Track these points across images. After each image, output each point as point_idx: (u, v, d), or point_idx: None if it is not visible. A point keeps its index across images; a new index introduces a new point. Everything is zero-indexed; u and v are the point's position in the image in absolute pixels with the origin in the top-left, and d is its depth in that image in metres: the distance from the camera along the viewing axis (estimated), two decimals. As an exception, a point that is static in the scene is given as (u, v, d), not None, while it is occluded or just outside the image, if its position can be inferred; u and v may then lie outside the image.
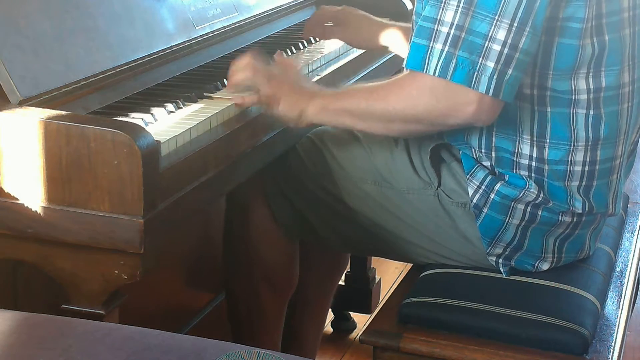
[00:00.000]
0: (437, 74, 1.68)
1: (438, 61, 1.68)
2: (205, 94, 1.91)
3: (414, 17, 1.91)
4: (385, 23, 2.31)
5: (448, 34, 1.68)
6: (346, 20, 2.30)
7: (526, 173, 1.82)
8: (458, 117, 1.71)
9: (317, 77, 2.18)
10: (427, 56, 1.69)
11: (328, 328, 2.94)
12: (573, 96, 1.77)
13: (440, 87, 1.70)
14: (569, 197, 1.83)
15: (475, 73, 1.67)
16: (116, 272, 1.55)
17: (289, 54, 2.29)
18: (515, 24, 1.66)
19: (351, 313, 2.98)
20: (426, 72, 1.69)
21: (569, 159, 1.81)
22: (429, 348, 1.76)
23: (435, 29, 1.69)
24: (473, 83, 1.67)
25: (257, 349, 1.32)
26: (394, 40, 2.26)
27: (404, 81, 1.76)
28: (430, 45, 1.69)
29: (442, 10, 1.68)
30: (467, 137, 1.84)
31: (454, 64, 1.67)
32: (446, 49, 1.67)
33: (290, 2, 2.59)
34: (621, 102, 1.82)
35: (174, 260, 2.27)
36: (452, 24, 1.67)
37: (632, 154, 1.96)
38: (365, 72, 2.33)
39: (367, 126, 1.83)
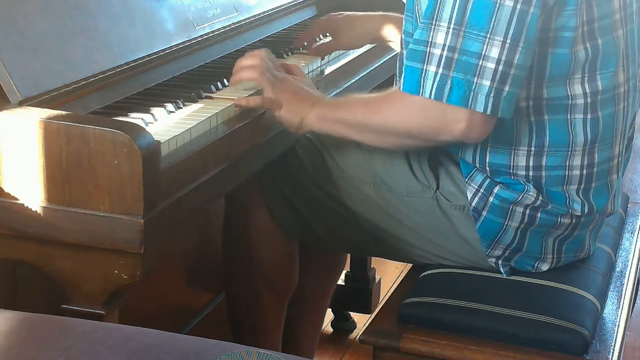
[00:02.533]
0: (432, 97, 1.68)
1: (433, 84, 1.68)
2: (205, 94, 1.91)
3: (403, 35, 1.91)
4: (370, 15, 2.30)
5: (441, 55, 1.67)
6: (336, 27, 2.29)
7: (524, 180, 1.82)
8: (448, 134, 1.72)
9: (317, 77, 2.18)
10: (422, 79, 1.69)
11: (328, 328, 2.94)
12: (570, 101, 1.77)
13: (430, 105, 1.70)
14: (567, 200, 1.83)
15: (472, 93, 1.66)
16: (116, 272, 1.55)
17: (290, 54, 2.29)
18: (508, 41, 1.65)
19: (351, 313, 2.98)
20: (422, 95, 1.69)
21: (567, 164, 1.81)
22: (429, 348, 1.76)
23: (428, 51, 1.68)
24: (470, 103, 1.67)
25: (257, 349, 1.32)
26: (387, 31, 2.25)
27: (397, 96, 1.76)
28: (424, 68, 1.68)
29: (433, 32, 1.68)
30: (462, 153, 1.84)
31: (449, 86, 1.67)
32: (440, 71, 1.67)
33: (290, 2, 2.59)
34: (617, 103, 1.82)
35: (174, 260, 2.27)
36: (444, 45, 1.67)
37: (628, 149, 1.96)
38: (365, 72, 2.33)
39: (363, 137, 1.84)
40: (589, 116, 1.79)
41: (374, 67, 2.37)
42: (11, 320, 1.42)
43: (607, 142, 1.82)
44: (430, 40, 1.68)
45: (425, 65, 1.68)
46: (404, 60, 1.75)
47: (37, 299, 1.81)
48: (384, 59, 2.42)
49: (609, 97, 1.80)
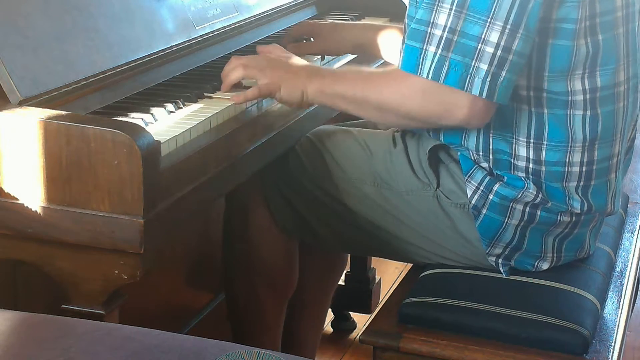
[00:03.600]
0: (430, 77, 1.69)
1: (431, 64, 1.68)
2: (205, 94, 1.91)
3: (406, 20, 1.91)
4: (354, 24, 2.33)
5: (441, 36, 1.68)
6: (319, 32, 2.29)
7: (524, 174, 1.82)
8: (449, 118, 1.72)
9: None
10: (421, 59, 1.69)
11: (328, 328, 2.94)
12: (569, 97, 1.78)
13: (432, 89, 1.70)
14: (567, 198, 1.83)
15: (469, 76, 1.67)
16: (116, 272, 1.55)
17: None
18: (509, 26, 1.66)
19: (351, 313, 2.98)
20: (420, 74, 1.70)
21: (567, 160, 1.81)
22: (428, 348, 1.76)
23: (429, 31, 1.69)
24: (466, 85, 1.67)
25: (257, 349, 1.32)
26: (369, 40, 2.26)
27: (398, 75, 1.76)
28: (424, 47, 1.69)
29: (435, 13, 1.69)
30: (465, 140, 1.84)
31: (446, 67, 1.67)
32: (439, 51, 1.68)
33: (290, 2, 2.59)
34: (617, 101, 1.82)
35: (174, 260, 2.27)
36: (445, 26, 1.68)
37: (629, 151, 1.96)
38: (365, 72, 2.33)
39: (363, 113, 1.86)
40: (588, 113, 1.79)
41: (373, 67, 2.37)
42: (11, 320, 1.42)
43: (606, 140, 1.82)
44: (431, 20, 1.69)
45: (425, 45, 1.69)
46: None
47: (37, 299, 1.81)
48: (383, 60, 2.42)
49: (608, 95, 1.80)
